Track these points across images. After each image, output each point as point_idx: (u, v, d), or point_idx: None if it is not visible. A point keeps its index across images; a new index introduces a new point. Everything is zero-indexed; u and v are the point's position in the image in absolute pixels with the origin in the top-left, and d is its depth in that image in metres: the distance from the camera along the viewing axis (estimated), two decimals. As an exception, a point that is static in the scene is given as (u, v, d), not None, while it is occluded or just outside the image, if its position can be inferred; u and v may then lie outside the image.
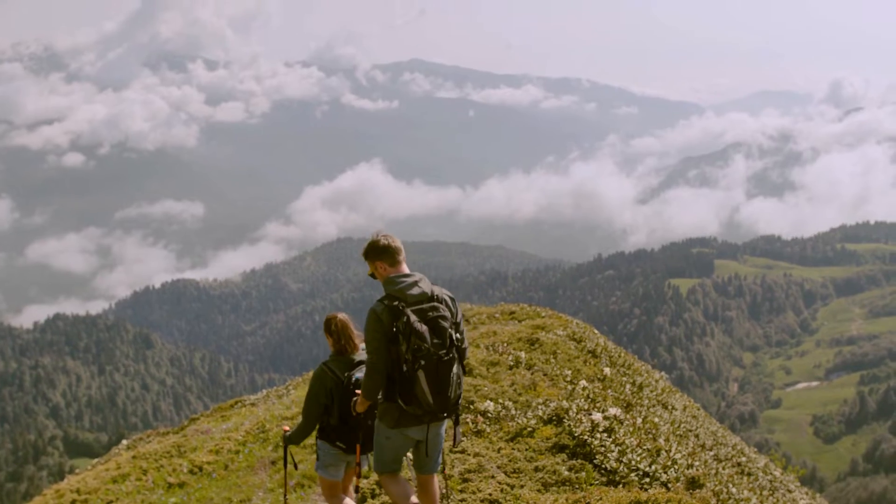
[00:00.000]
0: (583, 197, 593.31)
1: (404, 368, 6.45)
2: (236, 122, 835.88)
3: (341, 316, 8.18)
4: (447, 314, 6.61)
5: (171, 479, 12.97)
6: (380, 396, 6.82)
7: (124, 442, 23.53)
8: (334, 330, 8.01)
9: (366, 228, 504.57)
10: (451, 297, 6.87)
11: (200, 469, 13.19)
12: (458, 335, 6.67)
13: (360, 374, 7.72)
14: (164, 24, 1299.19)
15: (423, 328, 6.41)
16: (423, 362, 6.38)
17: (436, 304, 6.62)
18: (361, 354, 7.85)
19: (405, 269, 6.95)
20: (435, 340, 6.43)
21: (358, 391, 7.47)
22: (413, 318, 6.41)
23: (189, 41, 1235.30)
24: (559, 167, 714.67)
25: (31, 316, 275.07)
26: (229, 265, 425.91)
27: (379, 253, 6.90)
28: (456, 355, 6.60)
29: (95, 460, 22.08)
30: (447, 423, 7.23)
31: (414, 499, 7.10)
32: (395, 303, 6.54)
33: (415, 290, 6.64)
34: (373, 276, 7.12)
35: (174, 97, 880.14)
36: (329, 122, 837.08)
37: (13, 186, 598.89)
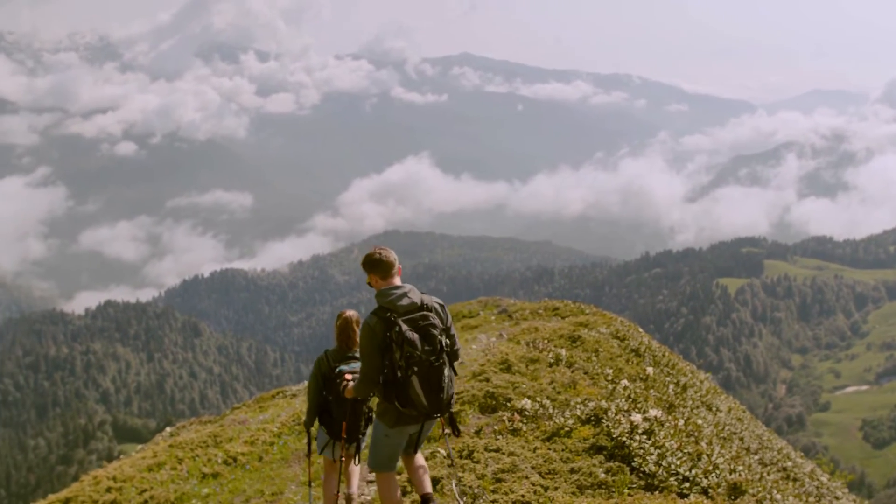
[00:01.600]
0: (631, 194, 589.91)
1: (399, 374, 6.85)
2: (286, 113, 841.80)
3: (347, 314, 9.02)
4: (437, 322, 7.00)
5: (206, 469, 12.93)
6: (377, 398, 7.31)
7: (168, 429, 23.65)
8: (337, 326, 8.98)
9: (413, 222, 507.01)
10: (440, 305, 7.26)
11: (235, 460, 13.14)
12: (447, 340, 7.06)
13: (344, 366, 8.66)
14: (217, 15, 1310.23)
15: (415, 336, 6.81)
16: (415, 368, 6.79)
17: (426, 312, 7.02)
18: (357, 351, 8.71)
19: (396, 281, 7.30)
20: (426, 347, 6.84)
21: (339, 380, 8.51)
22: (405, 327, 6.82)
23: (241, 32, 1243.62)
24: (608, 164, 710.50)
25: (83, 302, 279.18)
26: (277, 256, 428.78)
27: (372, 266, 7.33)
28: (446, 360, 7.02)
29: (140, 446, 22.22)
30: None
31: (427, 487, 7.53)
32: (387, 314, 6.95)
33: (405, 301, 7.03)
34: (370, 283, 7.52)
35: (225, 88, 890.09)
36: (378, 115, 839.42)
37: (68, 174, 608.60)
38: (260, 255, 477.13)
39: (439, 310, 7.20)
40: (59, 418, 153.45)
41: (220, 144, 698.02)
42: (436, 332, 6.93)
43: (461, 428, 11.20)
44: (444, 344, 6.98)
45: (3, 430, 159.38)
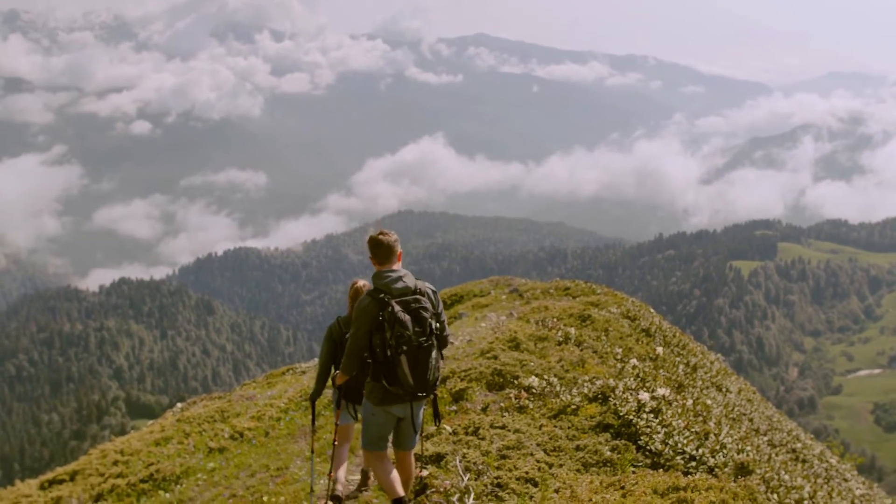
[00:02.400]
0: (646, 175, 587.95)
1: (388, 353, 7.14)
2: (301, 93, 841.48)
3: (360, 283, 9.19)
4: (428, 306, 7.28)
5: (212, 444, 12.94)
6: (368, 377, 7.51)
7: (178, 405, 23.70)
8: (350, 294, 9.16)
9: (427, 202, 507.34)
10: (433, 291, 7.53)
11: (241, 435, 13.15)
12: (437, 325, 7.37)
13: None
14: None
15: (406, 317, 7.10)
16: (404, 348, 7.08)
17: (418, 296, 7.29)
18: None
19: (395, 265, 7.53)
20: (416, 329, 7.13)
21: None
22: (397, 308, 7.11)
23: (256, 12, 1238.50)
24: (623, 145, 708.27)
25: (97, 280, 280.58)
26: (291, 235, 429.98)
27: (373, 248, 7.55)
28: (435, 342, 7.31)
29: (151, 422, 22.28)
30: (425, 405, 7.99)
31: (399, 489, 7.67)
32: (382, 295, 7.21)
33: (399, 284, 7.28)
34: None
35: (240, 67, 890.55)
36: (393, 94, 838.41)
37: (83, 152, 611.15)
38: (273, 234, 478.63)
39: (431, 295, 7.45)
40: (73, 394, 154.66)
41: (235, 123, 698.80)
42: (426, 314, 7.21)
43: (467, 405, 11.23)
44: (433, 327, 7.25)
45: (17, 405, 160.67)
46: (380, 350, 7.19)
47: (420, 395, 7.33)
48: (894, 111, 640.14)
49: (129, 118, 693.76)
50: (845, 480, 16.34)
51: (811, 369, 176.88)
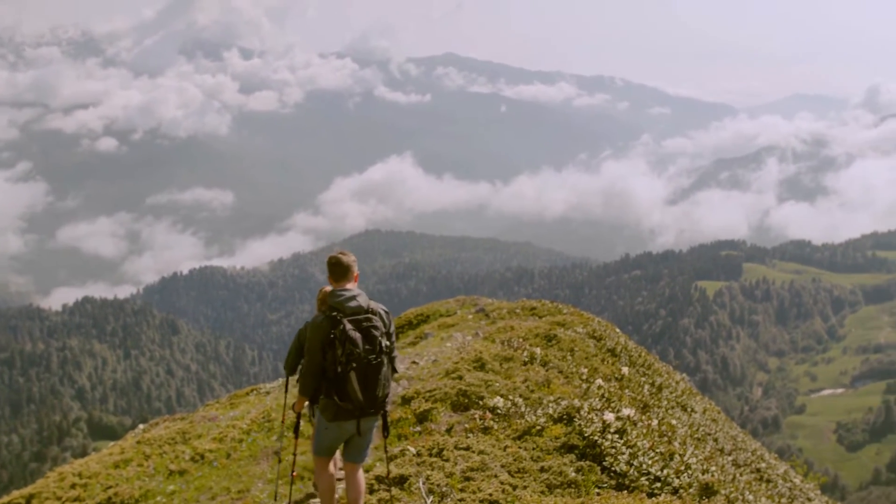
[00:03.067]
0: (613, 196, 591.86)
1: (339, 370, 7.36)
2: (269, 111, 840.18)
3: (328, 288, 8.95)
4: (379, 325, 7.53)
5: (173, 466, 12.71)
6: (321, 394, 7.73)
7: (141, 426, 23.34)
8: (318, 299, 9.19)
9: (394, 221, 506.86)
10: (385, 312, 7.77)
11: (202, 457, 12.92)
12: (387, 343, 7.58)
13: None
14: (201, 11, 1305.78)
15: (357, 335, 7.36)
16: (354, 364, 7.33)
17: (370, 316, 7.54)
18: None
19: (349, 284, 7.82)
20: (366, 346, 7.38)
21: None
22: (349, 326, 7.37)
23: (225, 29, 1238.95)
24: (590, 165, 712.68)
25: (60, 298, 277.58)
26: (257, 254, 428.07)
27: (331, 266, 7.88)
28: (385, 360, 7.52)
29: (112, 444, 21.92)
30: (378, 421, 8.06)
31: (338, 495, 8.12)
32: (334, 313, 7.48)
33: (352, 303, 7.54)
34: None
35: (208, 85, 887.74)
36: (361, 113, 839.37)
37: (48, 169, 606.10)
38: (240, 253, 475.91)
39: (383, 316, 7.68)
40: (34, 415, 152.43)
41: (202, 142, 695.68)
42: (377, 333, 7.45)
43: (432, 426, 11.13)
44: (383, 345, 7.48)
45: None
46: (331, 367, 7.39)
47: (370, 411, 7.57)
48: (857, 134, 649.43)
49: (96, 135, 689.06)
50: (809, 500, 16.41)
51: (775, 389, 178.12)
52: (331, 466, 8.15)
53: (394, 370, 7.81)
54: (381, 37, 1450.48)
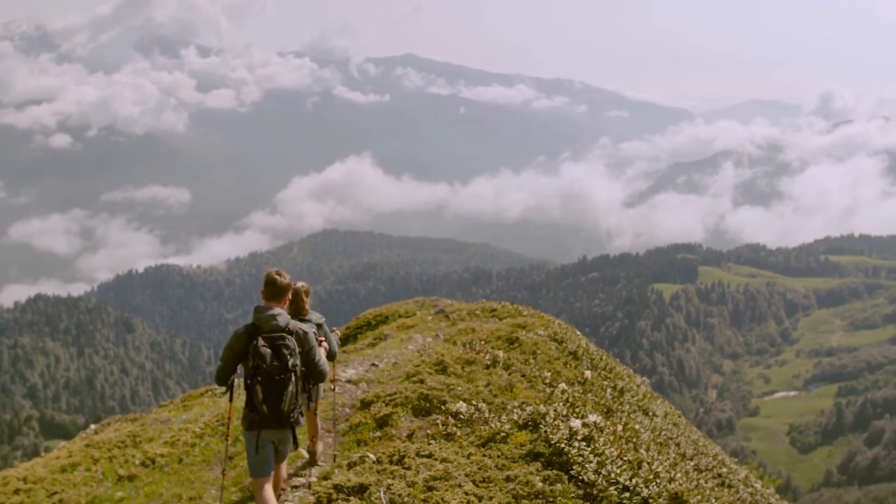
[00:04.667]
0: (571, 198, 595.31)
1: (248, 381, 7.82)
2: (226, 109, 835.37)
3: (297, 285, 10.20)
4: (292, 345, 7.90)
5: (122, 471, 12.25)
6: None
7: (92, 426, 22.75)
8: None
9: (352, 221, 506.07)
10: (304, 333, 8.16)
11: (153, 462, 12.46)
12: (298, 362, 7.95)
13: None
14: (159, 8, 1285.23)
15: (267, 351, 7.76)
16: (259, 378, 7.75)
17: (285, 335, 7.92)
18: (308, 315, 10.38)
19: (278, 305, 8.23)
20: (275, 363, 7.76)
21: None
22: (261, 342, 7.80)
23: (182, 27, 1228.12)
24: (549, 167, 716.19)
25: (11, 295, 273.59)
26: (214, 252, 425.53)
27: (266, 285, 8.29)
28: (293, 378, 7.86)
29: (63, 444, 21.35)
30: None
31: None
32: (253, 328, 7.97)
33: (272, 322, 7.95)
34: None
35: (165, 82, 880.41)
36: (320, 113, 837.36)
37: (0, 165, 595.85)
38: (196, 251, 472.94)
39: (302, 336, 8.09)
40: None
41: (159, 139, 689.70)
42: (287, 352, 7.82)
43: (392, 431, 10.88)
44: (291, 364, 7.83)
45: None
46: (245, 377, 7.88)
47: (273, 423, 7.99)
48: (811, 140, 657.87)
49: (49, 131, 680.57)
50: (770, 505, 16.29)
51: (729, 391, 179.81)
52: (268, 489, 8.26)
53: (306, 389, 8.27)
54: (341, 36, 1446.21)
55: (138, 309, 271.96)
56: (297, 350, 7.95)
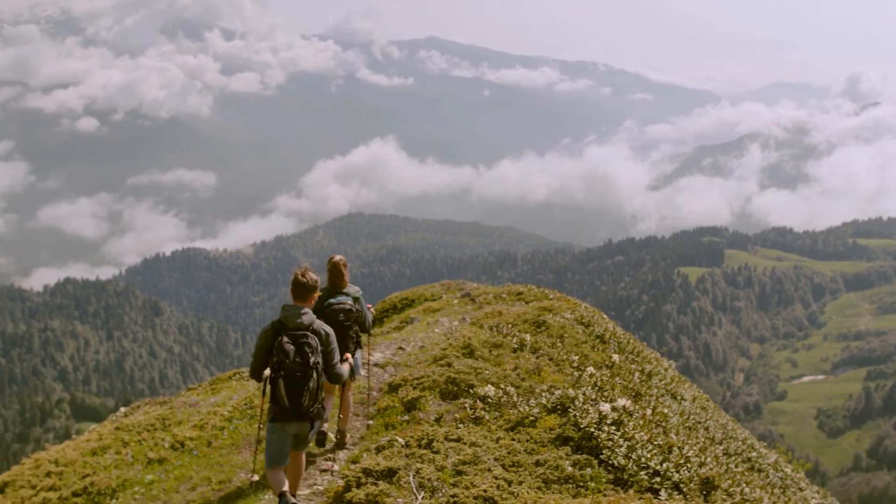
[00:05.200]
0: (595, 181, 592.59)
1: (272, 375, 8.24)
2: (251, 93, 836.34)
3: (336, 258, 10.90)
4: (315, 344, 8.31)
5: (152, 455, 12.32)
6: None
7: (122, 409, 22.92)
8: (328, 269, 10.78)
9: (377, 204, 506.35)
10: (327, 334, 8.56)
11: (182, 445, 12.53)
12: (319, 360, 8.35)
13: (332, 299, 10.59)
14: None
15: (291, 348, 8.17)
16: (282, 373, 8.17)
17: (309, 333, 8.34)
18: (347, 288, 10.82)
19: (305, 303, 8.63)
20: (297, 360, 8.16)
21: (328, 311, 10.40)
22: (286, 339, 8.22)
23: (207, 10, 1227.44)
24: (574, 150, 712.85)
25: (41, 279, 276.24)
26: (240, 236, 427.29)
27: (292, 285, 8.68)
28: (314, 375, 8.28)
29: (92, 428, 21.52)
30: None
31: (285, 486, 8.57)
32: (280, 325, 8.38)
33: (297, 320, 8.36)
34: None
35: (190, 66, 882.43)
36: (343, 96, 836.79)
37: (28, 149, 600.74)
38: (222, 234, 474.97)
39: (324, 336, 8.50)
40: (16, 396, 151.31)
41: (184, 122, 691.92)
42: (309, 350, 8.22)
43: (420, 415, 10.91)
44: (313, 362, 8.24)
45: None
46: (270, 372, 8.29)
47: (294, 417, 8.35)
48: (837, 122, 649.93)
49: (76, 115, 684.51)
50: (800, 489, 16.21)
51: (756, 375, 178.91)
52: (280, 473, 8.61)
53: (334, 375, 8.66)
54: (365, 19, 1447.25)
55: (165, 292, 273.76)
56: (319, 348, 8.33)
